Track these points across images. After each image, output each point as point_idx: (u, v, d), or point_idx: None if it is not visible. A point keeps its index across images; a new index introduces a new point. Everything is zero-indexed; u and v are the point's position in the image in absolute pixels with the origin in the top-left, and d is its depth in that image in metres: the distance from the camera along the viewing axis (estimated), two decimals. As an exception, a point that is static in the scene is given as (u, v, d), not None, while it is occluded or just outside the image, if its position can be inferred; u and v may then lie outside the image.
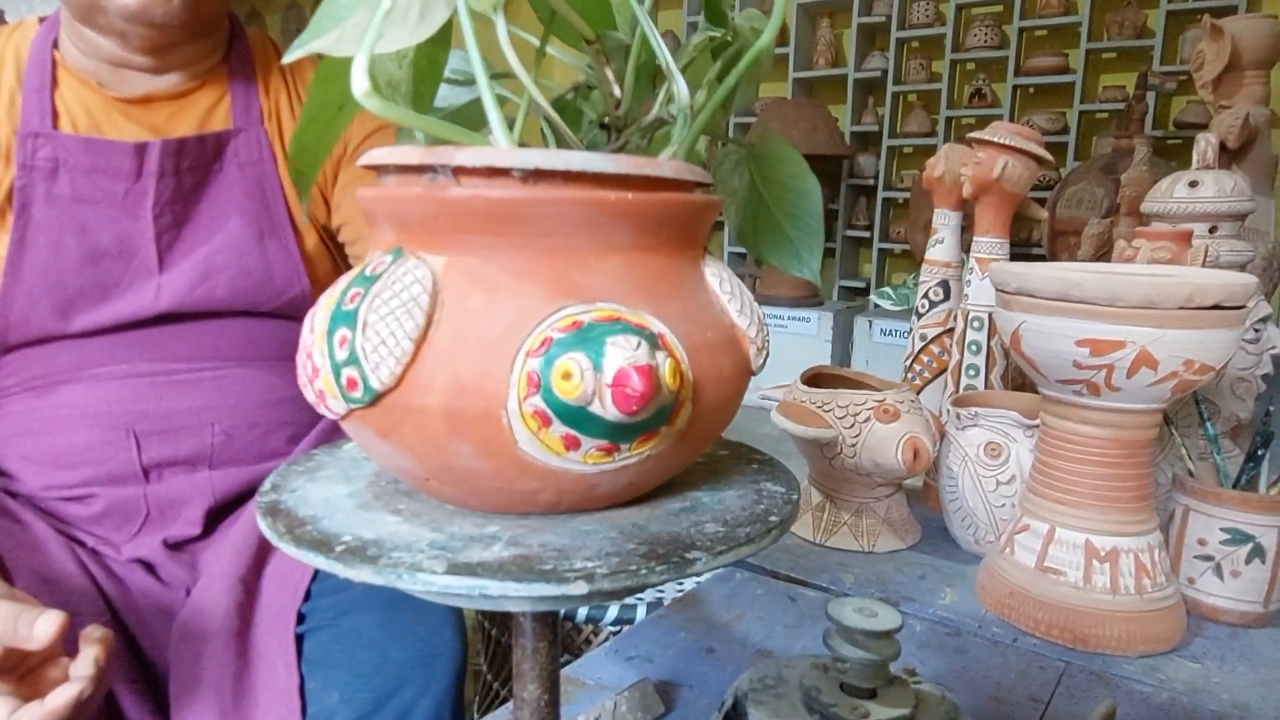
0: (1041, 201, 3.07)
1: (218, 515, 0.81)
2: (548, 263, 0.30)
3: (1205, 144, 0.92)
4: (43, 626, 0.54)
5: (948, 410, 0.86)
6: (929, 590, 0.77)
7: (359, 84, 0.27)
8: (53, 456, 0.78)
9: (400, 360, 0.29)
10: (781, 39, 3.71)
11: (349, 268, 0.91)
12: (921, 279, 1.03)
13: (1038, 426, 0.77)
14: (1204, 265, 0.77)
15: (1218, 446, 0.74)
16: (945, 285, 1.02)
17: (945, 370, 1.01)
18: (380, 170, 0.33)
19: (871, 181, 3.58)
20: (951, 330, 1.01)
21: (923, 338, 1.03)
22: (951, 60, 3.32)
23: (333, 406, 0.31)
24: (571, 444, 0.29)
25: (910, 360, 1.05)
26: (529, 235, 0.30)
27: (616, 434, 0.29)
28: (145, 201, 0.78)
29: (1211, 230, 0.91)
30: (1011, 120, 3.26)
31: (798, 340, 3.29)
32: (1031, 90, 3.30)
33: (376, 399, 0.30)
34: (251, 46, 0.88)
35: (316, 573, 0.75)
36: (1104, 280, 0.60)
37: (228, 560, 0.76)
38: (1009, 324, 0.67)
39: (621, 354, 0.27)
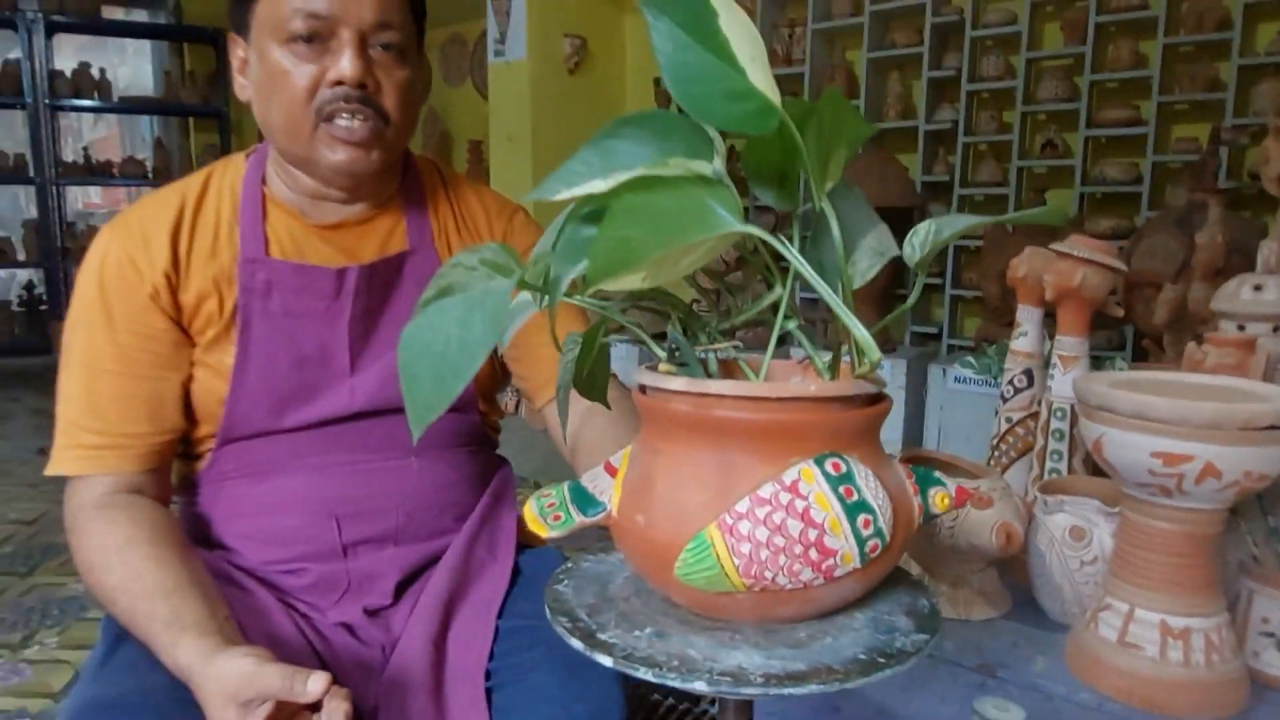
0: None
1: (404, 585, 0.96)
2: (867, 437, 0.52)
3: (1268, 251, 1.02)
4: (315, 684, 0.69)
5: (1034, 493, 0.97)
6: (1022, 658, 0.87)
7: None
8: (268, 536, 0.93)
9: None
10: (851, 91, 3.84)
11: (506, 372, 1.07)
12: (1007, 367, 1.15)
13: (1117, 512, 0.88)
14: (1264, 374, 0.87)
15: (1278, 537, 0.83)
16: (1029, 374, 1.13)
17: (1030, 451, 1.12)
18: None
19: (943, 230, 3.66)
20: (1035, 415, 1.11)
21: (1008, 420, 1.14)
22: (1022, 112, 3.40)
23: (846, 569, 0.50)
24: None
25: (997, 440, 1.15)
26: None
27: None
28: (343, 316, 0.94)
29: (1276, 330, 1.01)
30: (1084, 170, 3.31)
31: (872, 387, 3.38)
32: (1104, 140, 3.36)
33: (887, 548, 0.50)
34: (421, 173, 1.04)
35: (496, 635, 0.89)
36: (1174, 404, 0.72)
37: (419, 625, 0.90)
38: (1092, 432, 0.79)
39: (949, 480, 0.52)
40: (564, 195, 0.42)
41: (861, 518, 0.47)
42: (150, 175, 5.70)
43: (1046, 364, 1.12)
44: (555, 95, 4.28)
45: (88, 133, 8.62)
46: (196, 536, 0.94)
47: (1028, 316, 1.13)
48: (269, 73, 0.88)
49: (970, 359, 1.62)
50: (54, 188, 5.31)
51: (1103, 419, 0.77)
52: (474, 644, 0.89)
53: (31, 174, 5.25)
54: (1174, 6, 3.09)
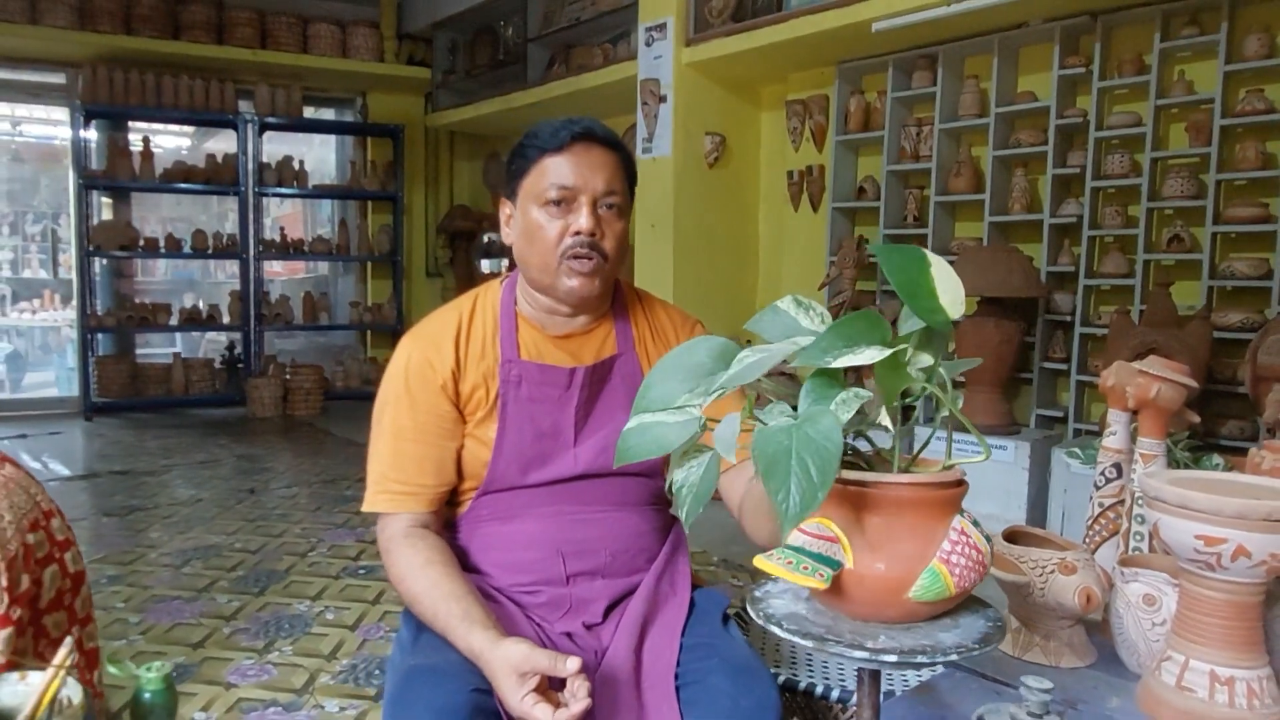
0: (1244, 344, 3.19)
1: (610, 608, 1.26)
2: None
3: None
4: (573, 663, 1.00)
5: (1116, 567, 1.19)
6: (1100, 697, 1.09)
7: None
8: (512, 565, 1.26)
9: None
10: (976, 185, 4.05)
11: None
12: (1099, 460, 1.37)
13: (1182, 585, 1.09)
14: (1309, 476, 1.08)
15: (1317, 610, 1.03)
16: (1118, 467, 1.34)
17: (1119, 532, 1.33)
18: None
19: (1068, 318, 3.78)
20: (1123, 501, 1.33)
21: (1100, 505, 1.36)
22: (1148, 208, 3.52)
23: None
24: None
25: (1091, 522, 1.37)
26: None
27: None
28: (571, 403, 1.28)
29: (1332, 439, 1.20)
30: (1212, 264, 3.40)
31: (996, 467, 3.51)
32: (1233, 236, 3.44)
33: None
34: (624, 294, 1.38)
35: (681, 650, 1.18)
36: (1210, 498, 0.95)
37: (621, 640, 1.20)
38: (1151, 518, 1.02)
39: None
40: (837, 364, 0.75)
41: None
42: (334, 251, 6.45)
43: (1132, 458, 1.33)
44: (695, 187, 4.68)
45: (274, 209, 9.70)
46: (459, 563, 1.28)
47: (1116, 419, 1.35)
48: (529, 226, 1.24)
49: (1076, 449, 1.81)
50: (255, 262, 6.11)
51: (1158, 507, 1.00)
52: (664, 655, 1.18)
53: (240, 251, 6.07)
54: (1302, 110, 3.20)
